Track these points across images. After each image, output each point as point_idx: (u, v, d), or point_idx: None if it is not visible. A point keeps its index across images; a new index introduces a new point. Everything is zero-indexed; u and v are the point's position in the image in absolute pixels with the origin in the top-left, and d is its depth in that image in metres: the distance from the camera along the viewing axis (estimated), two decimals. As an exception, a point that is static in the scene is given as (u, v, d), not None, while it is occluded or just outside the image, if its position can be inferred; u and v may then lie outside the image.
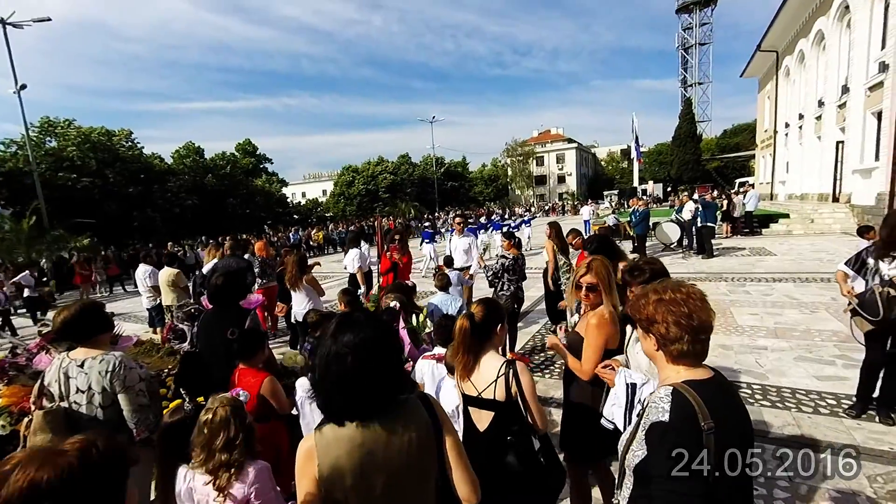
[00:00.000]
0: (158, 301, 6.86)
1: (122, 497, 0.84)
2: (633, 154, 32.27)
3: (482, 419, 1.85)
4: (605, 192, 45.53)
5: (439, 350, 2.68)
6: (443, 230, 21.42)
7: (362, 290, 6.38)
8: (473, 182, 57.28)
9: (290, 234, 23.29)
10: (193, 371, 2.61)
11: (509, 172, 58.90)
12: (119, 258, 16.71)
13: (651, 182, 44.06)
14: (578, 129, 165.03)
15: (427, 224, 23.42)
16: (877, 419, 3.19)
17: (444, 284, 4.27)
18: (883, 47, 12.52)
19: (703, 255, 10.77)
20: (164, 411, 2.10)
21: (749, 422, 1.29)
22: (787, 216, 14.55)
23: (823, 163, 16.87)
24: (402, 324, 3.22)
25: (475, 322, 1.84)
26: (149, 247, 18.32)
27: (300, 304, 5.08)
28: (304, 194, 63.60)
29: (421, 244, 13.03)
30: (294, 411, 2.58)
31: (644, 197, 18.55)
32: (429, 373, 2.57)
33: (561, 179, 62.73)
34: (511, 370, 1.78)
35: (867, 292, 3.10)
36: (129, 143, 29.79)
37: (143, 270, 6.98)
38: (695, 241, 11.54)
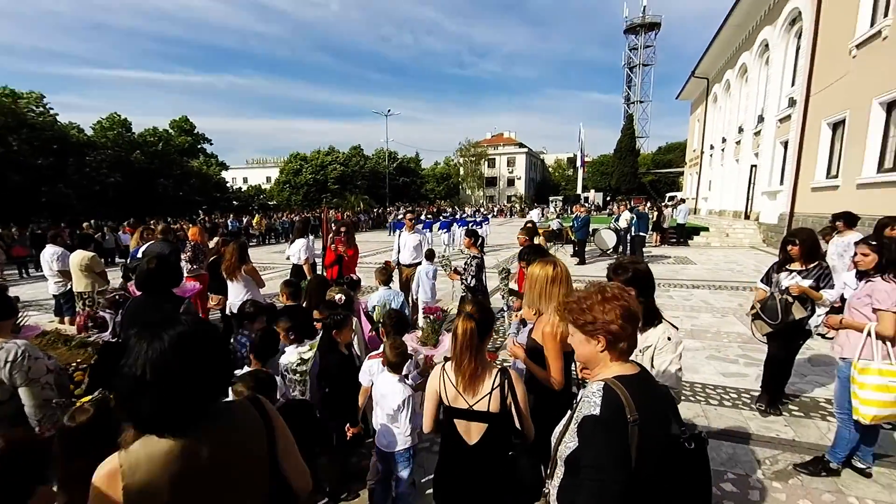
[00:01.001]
0: (68, 287, 6.17)
1: (24, 500, 0.76)
2: (579, 163, 34.02)
3: (471, 432, 1.76)
4: (551, 198, 47.47)
5: (387, 347, 2.66)
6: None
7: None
8: (425, 179, 57.27)
9: (229, 222, 21.86)
10: (115, 363, 2.39)
11: (461, 172, 59.58)
12: (22, 237, 14.75)
13: (593, 190, 46.61)
14: (529, 134, 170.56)
15: (400, 216, 23.43)
16: (767, 410, 3.64)
17: (386, 279, 4.25)
18: (793, 84, 14.19)
19: (635, 262, 11.61)
20: (72, 409, 1.91)
21: (674, 412, 1.40)
22: (707, 229, 16.07)
23: (739, 183, 18.81)
24: (364, 321, 3.16)
25: (478, 321, 1.73)
26: (60, 226, 16.31)
27: (237, 295, 4.82)
28: (245, 180, 60.06)
29: (390, 233, 12.98)
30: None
31: (585, 204, 19.55)
32: (377, 372, 2.55)
33: (510, 182, 64.52)
34: (507, 380, 1.72)
35: (768, 299, 3.52)
36: (40, 109, 26.43)
37: (50, 252, 6.23)
38: (628, 248, 12.41)
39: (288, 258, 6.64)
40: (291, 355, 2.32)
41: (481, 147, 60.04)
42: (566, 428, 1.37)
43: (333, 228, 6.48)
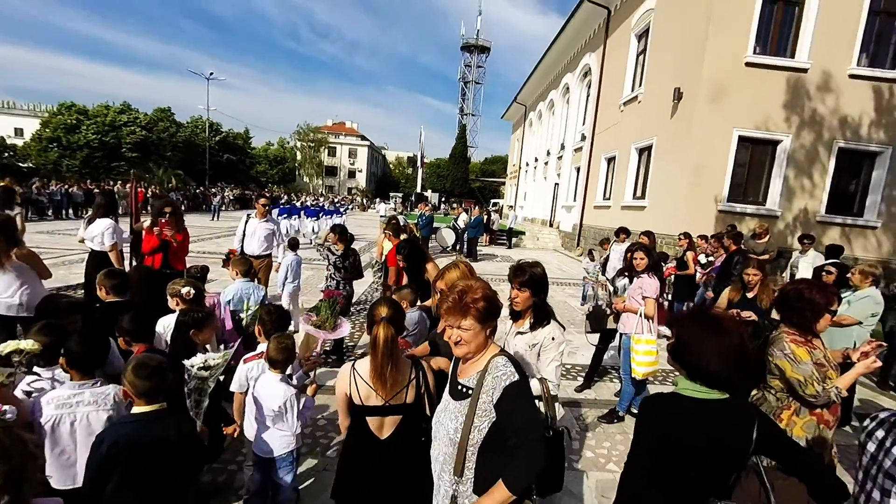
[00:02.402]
0: None
1: None
2: (419, 163, 35.83)
3: (385, 426, 1.78)
4: (391, 194, 48.59)
5: (264, 347, 2.42)
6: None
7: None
8: (256, 159, 51.30)
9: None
10: None
11: (298, 157, 55.52)
12: None
13: (430, 191, 49.70)
14: (371, 128, 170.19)
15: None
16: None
17: (245, 269, 3.80)
18: (584, 123, 18.05)
19: (470, 259, 13.02)
20: None
21: None
22: (523, 233, 19.12)
23: (546, 197, 22.94)
24: (227, 316, 2.72)
25: (396, 325, 1.75)
26: None
27: (6, 290, 3.54)
28: (-26, 128, 42.95)
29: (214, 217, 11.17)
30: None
31: (429, 204, 20.84)
32: (257, 373, 2.29)
33: (352, 174, 63.39)
34: (420, 372, 1.80)
35: (594, 307, 4.38)
36: None
37: None
38: (465, 246, 13.83)
39: (82, 241, 5.16)
40: (197, 357, 1.91)
41: (322, 133, 57.09)
42: (470, 417, 1.41)
43: (154, 210, 5.32)
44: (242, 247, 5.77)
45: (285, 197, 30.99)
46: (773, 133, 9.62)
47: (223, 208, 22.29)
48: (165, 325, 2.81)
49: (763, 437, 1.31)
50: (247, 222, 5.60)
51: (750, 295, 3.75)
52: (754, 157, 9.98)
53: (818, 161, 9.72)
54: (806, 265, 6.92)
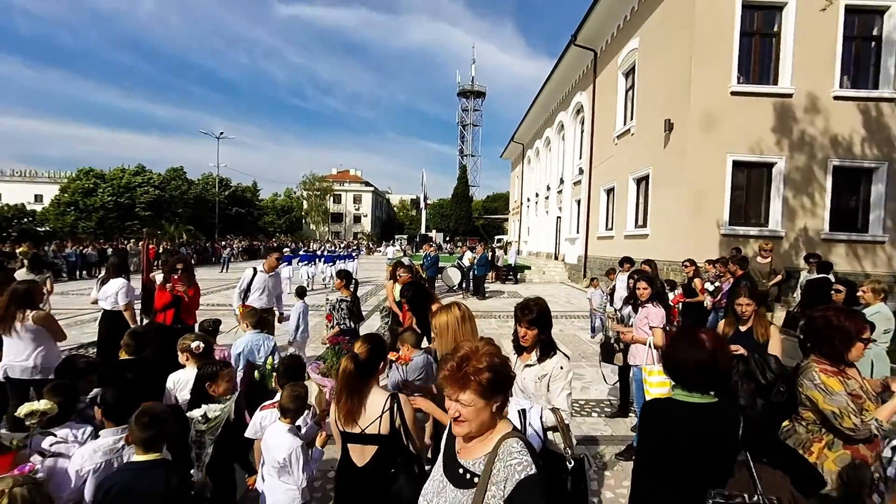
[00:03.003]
0: None
1: None
2: (422, 205, 36.55)
3: (364, 454, 1.88)
4: (396, 236, 49.26)
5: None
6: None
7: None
8: (264, 210, 52.69)
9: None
10: None
11: (305, 205, 57.01)
12: None
13: (434, 231, 50.35)
14: (375, 173, 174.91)
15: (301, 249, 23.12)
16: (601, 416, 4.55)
17: (255, 321, 3.86)
18: (580, 157, 18.50)
19: (477, 297, 12.98)
20: None
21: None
22: (529, 268, 19.12)
23: (549, 230, 23.13)
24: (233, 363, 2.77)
25: (360, 362, 1.84)
26: None
27: (20, 354, 3.63)
28: (-4, 196, 44.94)
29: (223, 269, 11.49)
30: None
31: (433, 244, 21.07)
32: (270, 422, 2.31)
33: (357, 219, 64.66)
34: (396, 404, 1.85)
35: (607, 341, 4.41)
36: None
37: None
38: (472, 284, 13.82)
39: (95, 302, 5.28)
40: (198, 409, 1.96)
41: (327, 182, 58.92)
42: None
43: (166, 267, 5.47)
44: (244, 301, 5.78)
45: (302, 245, 31.71)
46: (766, 156, 9.80)
47: (232, 260, 22.72)
48: (175, 381, 2.85)
49: (749, 435, 1.51)
50: (253, 276, 5.63)
51: (743, 328, 3.24)
52: (751, 180, 10.12)
53: (815, 180, 9.82)
54: (816, 284, 6.86)
